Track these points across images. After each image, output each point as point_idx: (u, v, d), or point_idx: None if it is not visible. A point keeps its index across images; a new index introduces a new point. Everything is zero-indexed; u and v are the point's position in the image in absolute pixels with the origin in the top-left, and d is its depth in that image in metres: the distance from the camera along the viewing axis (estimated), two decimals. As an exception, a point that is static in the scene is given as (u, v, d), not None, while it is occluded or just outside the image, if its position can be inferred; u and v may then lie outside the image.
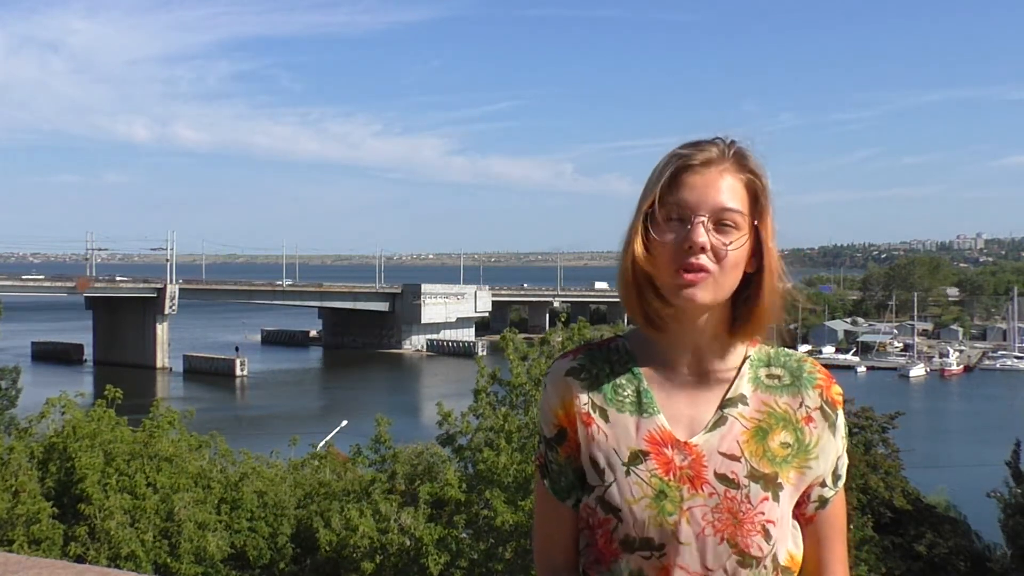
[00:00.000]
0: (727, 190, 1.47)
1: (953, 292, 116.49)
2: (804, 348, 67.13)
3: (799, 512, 1.52)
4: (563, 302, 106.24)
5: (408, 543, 10.87)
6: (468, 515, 11.25)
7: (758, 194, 1.50)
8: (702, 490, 1.45)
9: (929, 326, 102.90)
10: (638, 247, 1.48)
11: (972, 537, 18.52)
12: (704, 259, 1.43)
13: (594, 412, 1.54)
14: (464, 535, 11.21)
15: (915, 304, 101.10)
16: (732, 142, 1.51)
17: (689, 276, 1.43)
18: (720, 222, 1.45)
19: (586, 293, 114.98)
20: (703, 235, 1.43)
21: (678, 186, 1.47)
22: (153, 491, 11.03)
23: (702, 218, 1.44)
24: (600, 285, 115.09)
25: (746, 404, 1.51)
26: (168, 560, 10.66)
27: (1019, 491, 17.45)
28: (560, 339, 12.92)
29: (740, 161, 1.50)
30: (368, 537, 10.79)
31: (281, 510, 12.65)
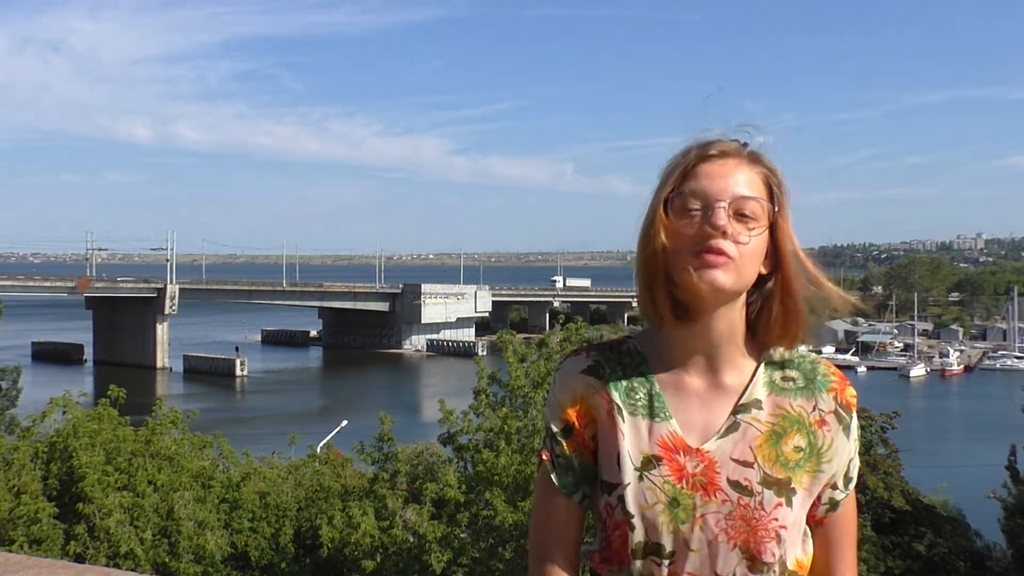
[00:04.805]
0: (745, 180, 1.46)
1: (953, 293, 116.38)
2: (803, 348, 66.82)
3: (809, 514, 1.51)
4: (563, 302, 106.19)
5: (411, 540, 10.88)
6: (469, 514, 11.25)
7: (774, 189, 1.49)
8: (715, 497, 1.43)
9: (929, 326, 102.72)
10: (662, 235, 1.45)
11: (972, 537, 18.52)
12: (725, 244, 1.42)
13: (613, 411, 1.51)
14: (464, 534, 11.21)
15: (915, 304, 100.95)
16: (745, 144, 1.51)
17: (710, 258, 1.41)
18: (739, 211, 1.44)
19: (586, 293, 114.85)
20: (724, 218, 1.42)
21: (696, 175, 1.46)
22: (153, 489, 11.03)
23: (723, 203, 1.43)
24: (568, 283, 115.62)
25: (760, 409, 1.49)
26: (167, 559, 10.65)
27: (1017, 492, 17.45)
28: (558, 340, 12.91)
29: (754, 157, 1.50)
30: (370, 535, 10.79)
31: (283, 511, 12.65)
